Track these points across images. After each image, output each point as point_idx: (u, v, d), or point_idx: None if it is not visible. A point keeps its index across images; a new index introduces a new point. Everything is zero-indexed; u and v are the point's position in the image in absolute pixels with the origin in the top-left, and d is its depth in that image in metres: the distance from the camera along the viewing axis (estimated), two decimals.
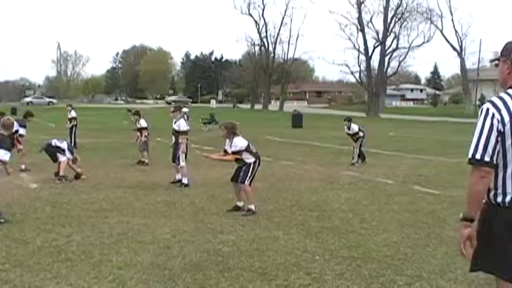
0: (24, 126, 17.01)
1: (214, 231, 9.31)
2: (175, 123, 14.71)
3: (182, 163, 14.42)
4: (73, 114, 25.53)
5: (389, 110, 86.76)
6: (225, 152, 11.41)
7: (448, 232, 9.45)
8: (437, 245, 8.58)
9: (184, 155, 14.51)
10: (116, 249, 8.11)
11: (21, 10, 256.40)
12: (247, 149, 11.15)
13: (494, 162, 4.03)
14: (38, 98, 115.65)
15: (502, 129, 4.00)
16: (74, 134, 24.94)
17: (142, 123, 19.34)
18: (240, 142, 11.15)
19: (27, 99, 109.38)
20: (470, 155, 4.08)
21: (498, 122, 4.00)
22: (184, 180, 14.34)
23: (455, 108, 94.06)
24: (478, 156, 4.05)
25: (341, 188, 14.05)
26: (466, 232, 4.22)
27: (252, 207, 10.99)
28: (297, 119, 44.27)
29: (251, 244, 8.47)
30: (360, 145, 19.39)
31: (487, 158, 4.02)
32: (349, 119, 19.85)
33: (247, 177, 11.07)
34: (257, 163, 11.23)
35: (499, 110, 4.02)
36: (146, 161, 18.62)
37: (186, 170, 14.46)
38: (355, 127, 19.75)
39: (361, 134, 19.64)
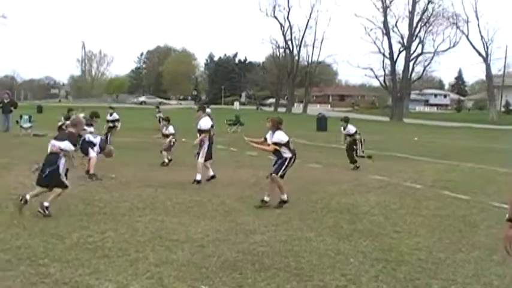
0: (91, 125, 17.14)
1: (247, 231, 9.38)
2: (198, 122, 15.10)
3: (200, 159, 14.75)
4: (115, 116, 25.35)
5: (413, 115, 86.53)
6: (265, 140, 12.29)
7: (480, 237, 9.46)
8: (470, 250, 8.59)
9: (204, 152, 14.79)
10: (151, 247, 8.20)
11: (46, 9, 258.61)
12: (287, 144, 11.94)
13: None
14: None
15: None
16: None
17: (171, 129, 19.52)
18: (281, 136, 12.03)
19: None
20: None
21: None
22: (198, 177, 14.63)
23: (480, 114, 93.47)
24: None
25: (370, 191, 14.07)
26: (511, 233, 4.28)
27: (285, 197, 11.84)
28: (321, 122, 44.24)
29: (285, 245, 8.53)
30: (357, 149, 19.25)
31: None
32: (346, 120, 19.98)
33: (281, 170, 11.87)
34: (292, 159, 11.99)
35: None
36: (166, 160, 18.82)
37: (201, 167, 14.77)
38: (351, 128, 19.64)
39: (357, 136, 19.42)
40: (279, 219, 10.43)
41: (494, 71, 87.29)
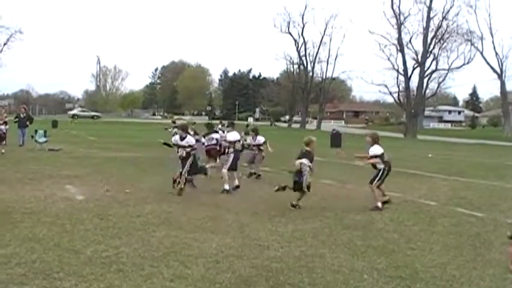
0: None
1: (261, 247, 9.39)
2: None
3: (224, 169, 15.96)
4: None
5: (427, 132, 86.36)
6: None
7: (495, 255, 9.42)
8: (485, 268, 8.56)
9: (229, 162, 16.07)
10: (166, 262, 8.23)
11: (62, 24, 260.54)
12: (381, 157, 13.56)
13: None
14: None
15: None
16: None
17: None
18: (376, 149, 13.88)
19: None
20: None
21: None
22: (226, 187, 15.66)
23: (494, 131, 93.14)
24: None
25: (384, 208, 14.02)
26: None
27: (379, 204, 13.58)
28: (335, 139, 44.09)
29: (298, 261, 8.53)
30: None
31: None
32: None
33: (376, 180, 13.70)
34: (386, 170, 13.54)
35: None
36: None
37: (226, 176, 15.90)
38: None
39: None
40: (293, 235, 10.43)
41: (509, 87, 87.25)
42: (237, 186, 16.12)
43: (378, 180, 13.69)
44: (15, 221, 10.78)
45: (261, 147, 19.90)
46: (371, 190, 13.83)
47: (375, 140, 14.14)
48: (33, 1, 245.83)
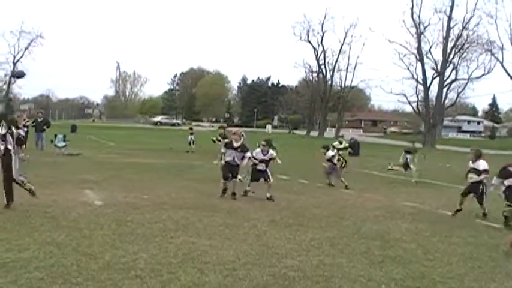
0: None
1: (279, 255, 9.38)
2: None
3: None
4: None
5: (445, 142, 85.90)
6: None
7: None
8: (504, 280, 8.51)
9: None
10: (183, 268, 8.24)
11: (82, 29, 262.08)
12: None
13: None
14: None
15: None
16: None
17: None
18: (485, 164, 14.79)
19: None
20: None
21: None
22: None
23: None
24: None
25: (402, 217, 13.99)
26: None
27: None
28: (354, 147, 43.97)
29: (316, 270, 8.51)
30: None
31: None
32: (327, 147, 21.31)
33: (485, 197, 14.80)
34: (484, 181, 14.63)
35: None
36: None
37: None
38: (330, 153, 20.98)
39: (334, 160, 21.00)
40: (310, 243, 10.41)
41: None
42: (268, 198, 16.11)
43: (485, 195, 14.77)
44: (35, 225, 10.85)
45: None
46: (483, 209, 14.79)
47: (479, 156, 14.95)
48: (54, 6, 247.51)
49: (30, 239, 9.67)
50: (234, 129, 17.15)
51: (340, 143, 26.08)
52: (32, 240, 9.59)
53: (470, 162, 15.08)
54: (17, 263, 8.04)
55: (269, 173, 16.70)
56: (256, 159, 16.66)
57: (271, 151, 17.16)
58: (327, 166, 20.67)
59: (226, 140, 17.64)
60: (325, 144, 22.32)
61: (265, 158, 16.67)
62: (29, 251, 8.84)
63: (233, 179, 16.20)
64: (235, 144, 16.37)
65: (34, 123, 33.16)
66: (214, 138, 26.28)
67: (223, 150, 17.35)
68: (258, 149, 16.97)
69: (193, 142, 38.46)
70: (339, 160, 21.82)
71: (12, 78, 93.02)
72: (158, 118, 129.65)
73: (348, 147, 26.89)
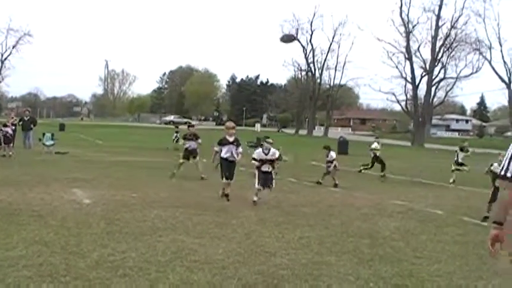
0: None
1: (268, 253, 9.36)
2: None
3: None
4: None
5: (434, 140, 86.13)
6: None
7: (501, 264, 9.39)
8: (491, 277, 8.52)
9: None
10: (172, 267, 8.21)
11: (71, 27, 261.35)
12: None
13: None
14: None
15: None
16: None
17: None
18: None
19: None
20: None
21: None
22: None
23: (502, 140, 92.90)
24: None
25: (390, 216, 14.02)
26: (494, 232, 5.16)
27: None
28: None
29: (305, 268, 8.51)
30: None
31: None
32: (328, 148, 21.68)
33: None
34: None
35: None
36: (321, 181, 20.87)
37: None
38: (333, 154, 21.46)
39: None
40: (299, 242, 10.41)
41: None
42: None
43: None
44: (23, 224, 10.80)
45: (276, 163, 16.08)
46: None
47: None
48: (42, 4, 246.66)
49: (18, 237, 9.62)
50: (229, 123, 16.41)
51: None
52: (20, 238, 9.55)
53: (495, 164, 15.03)
54: (4, 262, 7.99)
55: (273, 177, 15.33)
56: (257, 160, 15.15)
57: (273, 149, 15.39)
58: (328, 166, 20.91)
59: (221, 138, 16.34)
60: (326, 144, 22.45)
61: (268, 157, 15.13)
62: (17, 249, 8.79)
63: (230, 179, 15.58)
64: (231, 139, 15.69)
65: (21, 122, 33.08)
66: (181, 141, 24.23)
67: (216, 149, 16.44)
68: (259, 149, 15.64)
69: (177, 140, 38.51)
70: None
71: None
72: (171, 117, 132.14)
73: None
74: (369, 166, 25.85)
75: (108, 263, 8.29)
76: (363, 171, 26.27)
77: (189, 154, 21.26)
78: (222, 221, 12.17)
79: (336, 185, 20.13)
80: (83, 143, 43.16)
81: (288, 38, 38.04)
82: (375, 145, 25.68)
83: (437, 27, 79.78)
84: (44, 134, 31.40)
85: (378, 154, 25.19)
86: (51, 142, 31.04)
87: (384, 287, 7.80)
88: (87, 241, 9.67)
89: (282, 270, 8.29)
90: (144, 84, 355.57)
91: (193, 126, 23.25)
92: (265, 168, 15.11)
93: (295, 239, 10.70)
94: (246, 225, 11.88)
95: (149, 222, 11.62)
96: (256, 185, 14.98)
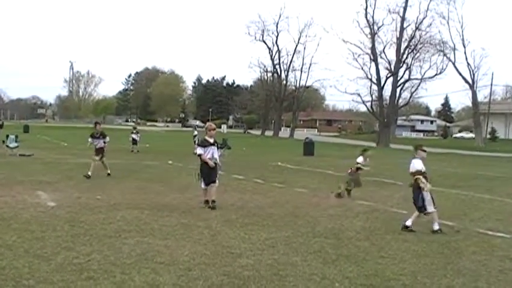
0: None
1: (233, 254, 9.38)
2: None
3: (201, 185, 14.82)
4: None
5: (399, 141, 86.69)
6: None
7: (465, 263, 9.50)
8: (455, 276, 8.62)
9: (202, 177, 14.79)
10: (137, 269, 8.19)
11: (34, 28, 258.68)
12: None
13: None
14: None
15: None
16: None
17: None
18: None
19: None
20: None
21: None
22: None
23: (466, 141, 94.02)
24: None
25: (356, 216, 14.09)
26: None
27: None
28: (308, 147, 44.22)
29: (270, 269, 8.53)
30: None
31: None
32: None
33: None
34: None
35: None
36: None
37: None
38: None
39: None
40: (265, 243, 10.43)
41: (481, 98, 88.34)
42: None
43: None
44: None
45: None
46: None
47: None
48: (5, 4, 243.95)
49: None
50: (210, 125, 15.56)
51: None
52: None
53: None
54: None
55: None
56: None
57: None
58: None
59: (202, 140, 15.65)
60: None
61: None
62: None
63: (212, 183, 14.68)
64: (211, 140, 14.88)
65: None
66: (90, 140, 22.68)
67: (199, 151, 15.00)
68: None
69: (135, 141, 38.42)
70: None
71: None
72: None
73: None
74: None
75: (73, 265, 8.24)
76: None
77: (98, 152, 21.76)
78: (187, 223, 12.16)
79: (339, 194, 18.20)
80: (48, 145, 42.71)
81: None
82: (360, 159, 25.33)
83: (402, 28, 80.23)
84: (7, 136, 31.04)
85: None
86: (15, 144, 30.67)
87: (349, 286, 7.85)
88: (52, 244, 9.59)
89: (248, 271, 8.31)
90: (109, 86, 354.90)
91: (100, 124, 23.47)
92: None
93: (261, 240, 10.72)
94: (212, 226, 11.88)
95: (114, 225, 11.56)
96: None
